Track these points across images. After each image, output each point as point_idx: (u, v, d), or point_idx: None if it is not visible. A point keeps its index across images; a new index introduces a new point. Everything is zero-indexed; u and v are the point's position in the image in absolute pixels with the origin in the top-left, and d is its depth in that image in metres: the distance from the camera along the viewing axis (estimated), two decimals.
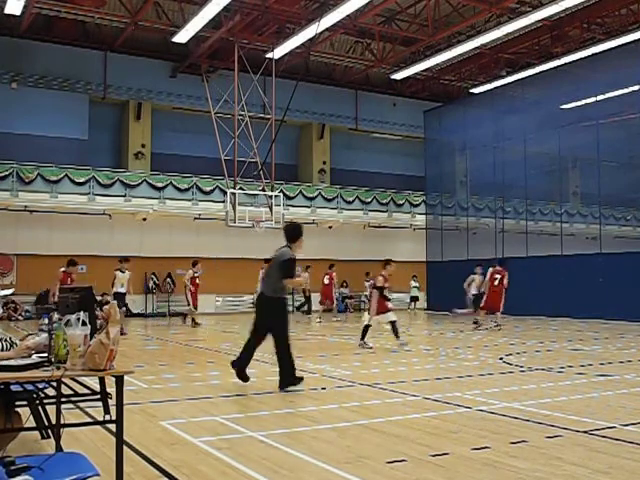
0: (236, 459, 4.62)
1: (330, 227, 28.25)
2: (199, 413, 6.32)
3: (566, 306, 19.51)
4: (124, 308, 16.94)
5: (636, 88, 20.74)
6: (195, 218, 25.61)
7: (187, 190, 25.18)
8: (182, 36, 22.04)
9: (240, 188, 23.38)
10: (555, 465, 4.43)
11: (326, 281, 22.07)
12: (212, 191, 25.40)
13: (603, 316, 18.68)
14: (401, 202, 29.47)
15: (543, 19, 21.81)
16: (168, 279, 25.40)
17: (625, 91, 21.36)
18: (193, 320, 19.26)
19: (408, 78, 28.65)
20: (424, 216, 28.58)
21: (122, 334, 14.33)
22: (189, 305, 19.14)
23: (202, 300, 25.72)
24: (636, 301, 17.97)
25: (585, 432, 5.34)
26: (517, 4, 21.72)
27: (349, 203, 28.34)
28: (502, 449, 4.85)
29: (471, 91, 28.73)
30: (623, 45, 21.39)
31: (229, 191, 22.67)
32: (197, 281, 18.83)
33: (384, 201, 29.05)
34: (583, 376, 8.62)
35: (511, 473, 4.26)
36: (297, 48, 23.42)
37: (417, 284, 26.59)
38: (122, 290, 16.34)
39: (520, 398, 6.91)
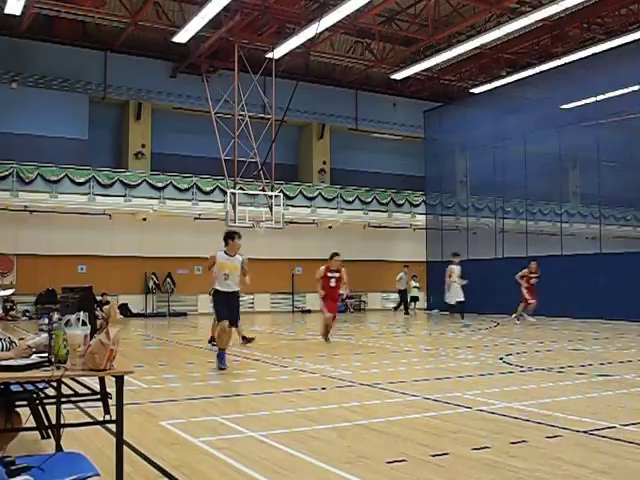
0: (236, 459, 4.61)
1: (330, 227, 28.25)
2: (199, 413, 6.33)
3: (566, 306, 19.50)
4: (226, 322, 9.30)
5: (636, 88, 20.72)
6: (195, 218, 25.61)
7: (187, 190, 25.20)
8: (182, 36, 22.04)
9: (240, 188, 23.39)
10: (555, 465, 4.43)
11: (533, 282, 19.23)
12: (212, 191, 25.41)
13: (603, 316, 18.66)
14: (401, 202, 29.49)
15: (543, 19, 21.81)
16: (168, 279, 25.40)
17: (625, 91, 21.34)
18: (522, 316, 18.44)
19: (408, 78, 28.65)
20: (424, 216, 28.57)
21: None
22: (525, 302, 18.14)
23: (202, 300, 25.86)
24: (636, 301, 17.95)
25: (585, 432, 5.34)
26: (517, 4, 21.73)
27: (349, 203, 28.35)
28: (502, 449, 4.84)
29: (471, 91, 28.74)
30: (623, 45, 21.38)
31: (229, 191, 22.68)
32: (532, 282, 17.93)
33: (384, 201, 29.07)
34: (583, 376, 8.62)
35: (511, 473, 4.26)
36: (297, 48, 23.42)
37: (417, 284, 26.63)
38: (226, 287, 9.47)
39: (520, 398, 6.91)
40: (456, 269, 17.84)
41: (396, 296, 28.67)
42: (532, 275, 18.54)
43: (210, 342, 12.50)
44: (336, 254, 13.17)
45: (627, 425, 5.58)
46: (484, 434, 5.32)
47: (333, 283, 12.99)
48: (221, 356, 9.23)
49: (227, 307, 9.37)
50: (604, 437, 5.19)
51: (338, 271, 13.02)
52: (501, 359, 10.43)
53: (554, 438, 5.19)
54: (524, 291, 18.58)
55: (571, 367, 9.45)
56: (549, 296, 19.61)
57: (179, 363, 10.32)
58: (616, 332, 15.95)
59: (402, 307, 24.60)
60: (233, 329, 9.68)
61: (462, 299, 18.33)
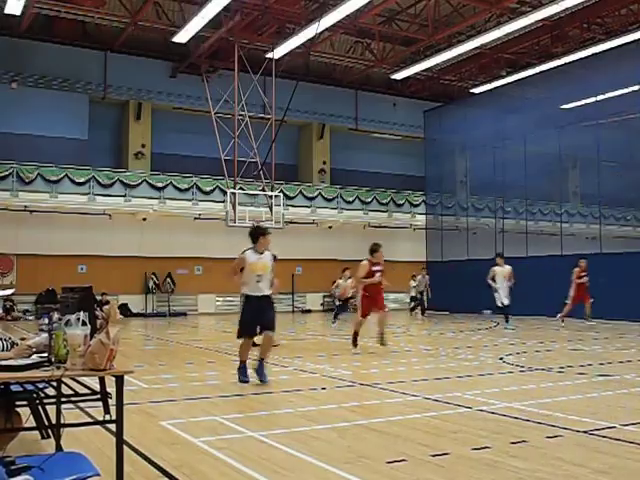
0: (236, 459, 4.61)
1: (330, 227, 28.25)
2: (199, 413, 6.33)
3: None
4: (249, 340, 8.31)
5: (636, 88, 20.72)
6: (195, 218, 25.61)
7: (187, 190, 25.20)
8: (182, 36, 22.05)
9: (240, 188, 23.38)
10: (555, 465, 4.43)
11: (584, 280, 17.21)
12: (212, 191, 25.41)
13: (603, 316, 18.65)
14: (401, 202, 29.50)
15: (543, 19, 21.81)
16: (168, 279, 25.40)
17: (625, 91, 21.34)
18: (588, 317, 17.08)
19: (408, 78, 28.65)
20: (424, 216, 28.58)
21: None
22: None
23: (202, 300, 25.86)
24: (636, 301, 17.94)
25: (585, 432, 5.34)
26: (517, 4, 21.73)
27: (349, 203, 28.36)
28: (502, 449, 4.84)
29: (471, 91, 28.74)
30: (623, 45, 21.39)
31: (229, 191, 22.68)
32: (583, 280, 16.63)
33: (384, 201, 29.08)
34: (583, 376, 8.62)
35: (511, 473, 4.26)
36: (297, 48, 23.42)
37: (417, 284, 26.59)
38: (258, 291, 8.15)
39: (520, 398, 6.91)
40: (499, 270, 16.68)
41: (395, 296, 28.70)
42: (582, 274, 17.10)
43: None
44: (378, 245, 11.29)
45: (627, 425, 5.58)
46: (484, 434, 5.32)
47: (378, 278, 11.08)
48: (243, 369, 8.16)
49: (255, 317, 8.06)
50: (604, 437, 5.19)
51: (379, 264, 11.25)
52: (501, 359, 10.44)
53: (554, 438, 5.18)
54: (572, 292, 17.10)
55: (571, 367, 9.45)
56: (549, 296, 19.62)
57: (179, 363, 10.32)
58: (616, 332, 15.95)
59: (418, 308, 24.41)
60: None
61: (506, 303, 16.87)
